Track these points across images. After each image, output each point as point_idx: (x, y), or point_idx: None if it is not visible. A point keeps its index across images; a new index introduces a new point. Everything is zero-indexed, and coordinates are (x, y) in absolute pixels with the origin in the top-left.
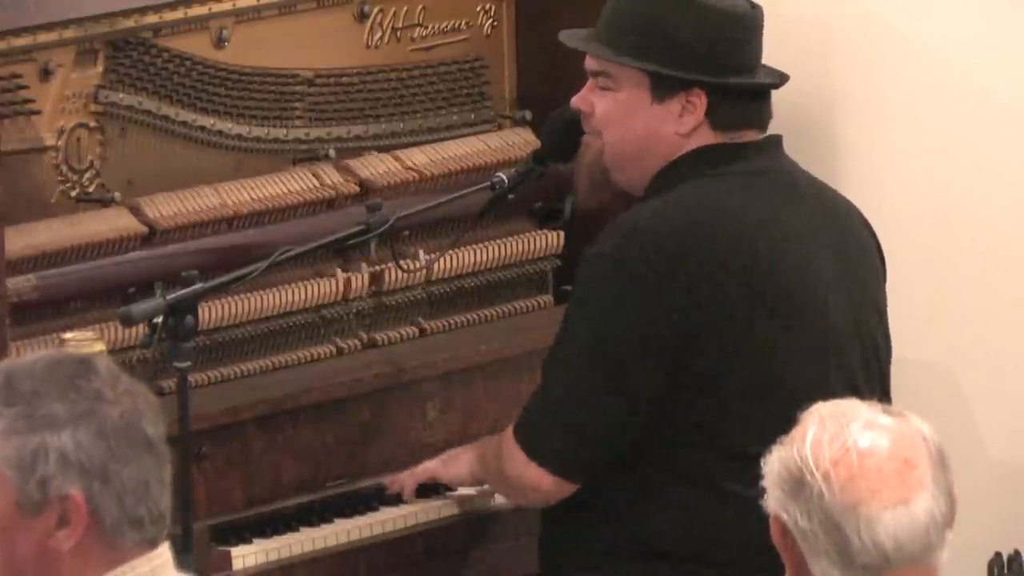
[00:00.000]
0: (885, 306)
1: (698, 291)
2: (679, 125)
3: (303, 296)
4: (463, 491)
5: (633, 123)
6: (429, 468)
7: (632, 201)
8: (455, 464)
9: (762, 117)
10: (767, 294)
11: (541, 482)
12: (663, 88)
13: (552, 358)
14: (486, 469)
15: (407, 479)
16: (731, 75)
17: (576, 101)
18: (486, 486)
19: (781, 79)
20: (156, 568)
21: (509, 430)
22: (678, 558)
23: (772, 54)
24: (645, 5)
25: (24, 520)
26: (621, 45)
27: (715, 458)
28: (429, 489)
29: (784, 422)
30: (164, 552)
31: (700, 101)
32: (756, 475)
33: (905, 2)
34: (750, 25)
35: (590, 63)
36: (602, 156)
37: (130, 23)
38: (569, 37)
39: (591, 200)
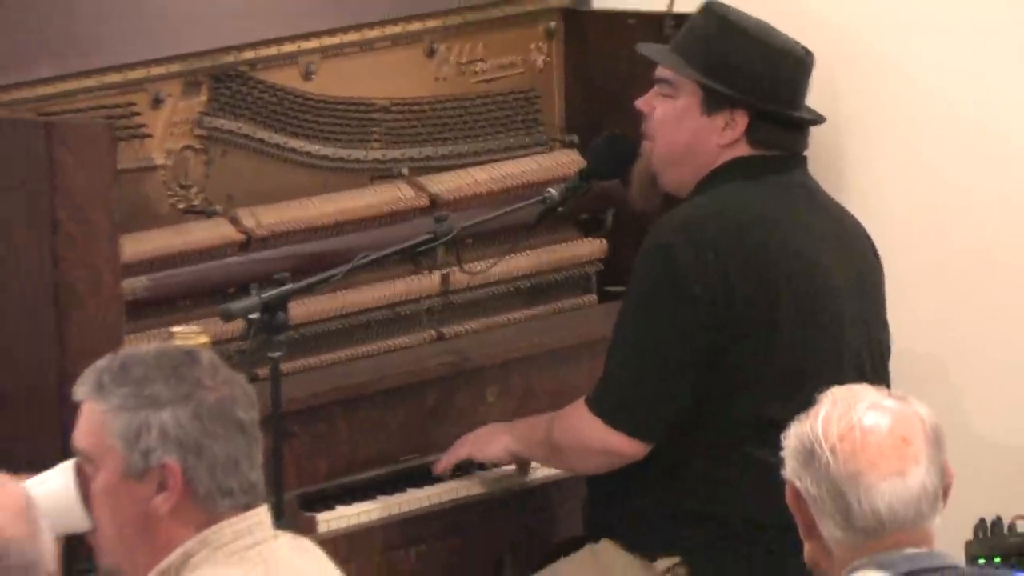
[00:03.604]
0: (885, 305)
1: (732, 277)
2: (720, 137)
3: (380, 295)
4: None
5: (682, 128)
6: (462, 452)
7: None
8: (492, 447)
9: (795, 145)
10: (791, 287)
11: (620, 445)
12: (713, 103)
13: (616, 336)
14: (550, 444)
15: (445, 460)
16: (773, 104)
17: (640, 102)
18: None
19: (817, 119)
20: (252, 525)
21: (580, 406)
22: (709, 517)
23: None
24: (715, 32)
25: (129, 485)
26: (688, 61)
27: (744, 428)
28: (472, 466)
29: (803, 400)
30: (260, 513)
31: (742, 120)
32: (780, 444)
33: (904, 40)
34: (798, 65)
35: (659, 72)
36: (652, 160)
37: (230, 58)
38: (645, 48)
39: (643, 202)
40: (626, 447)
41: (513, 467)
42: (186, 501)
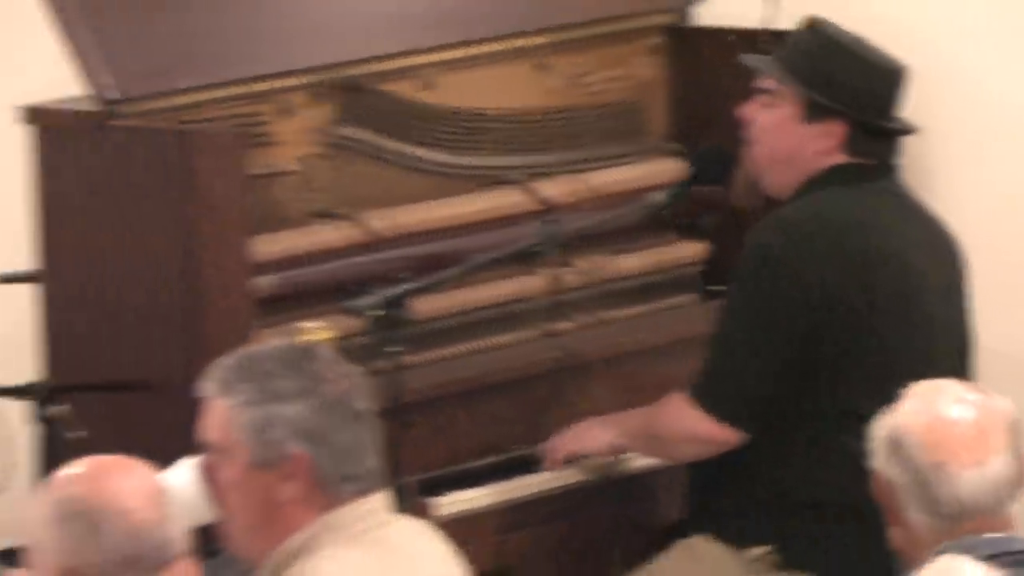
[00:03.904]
0: (970, 307)
1: (827, 275)
2: (818, 145)
3: (494, 294)
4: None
5: (783, 136)
6: (568, 448)
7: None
8: (595, 441)
9: (890, 154)
10: (886, 289)
11: (717, 433)
12: (813, 112)
13: (718, 330)
14: (651, 436)
15: (554, 455)
16: (869, 114)
17: (742, 110)
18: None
19: (911, 129)
20: (372, 510)
21: (680, 397)
22: (803, 505)
23: None
24: (816, 47)
25: (256, 475)
26: (790, 72)
27: (838, 420)
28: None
29: (893, 395)
30: (379, 498)
31: (840, 129)
32: (868, 434)
33: (987, 51)
34: (893, 78)
35: (762, 81)
36: (754, 165)
37: (355, 71)
38: (750, 59)
39: (746, 202)
40: (722, 435)
41: (613, 457)
42: (310, 488)
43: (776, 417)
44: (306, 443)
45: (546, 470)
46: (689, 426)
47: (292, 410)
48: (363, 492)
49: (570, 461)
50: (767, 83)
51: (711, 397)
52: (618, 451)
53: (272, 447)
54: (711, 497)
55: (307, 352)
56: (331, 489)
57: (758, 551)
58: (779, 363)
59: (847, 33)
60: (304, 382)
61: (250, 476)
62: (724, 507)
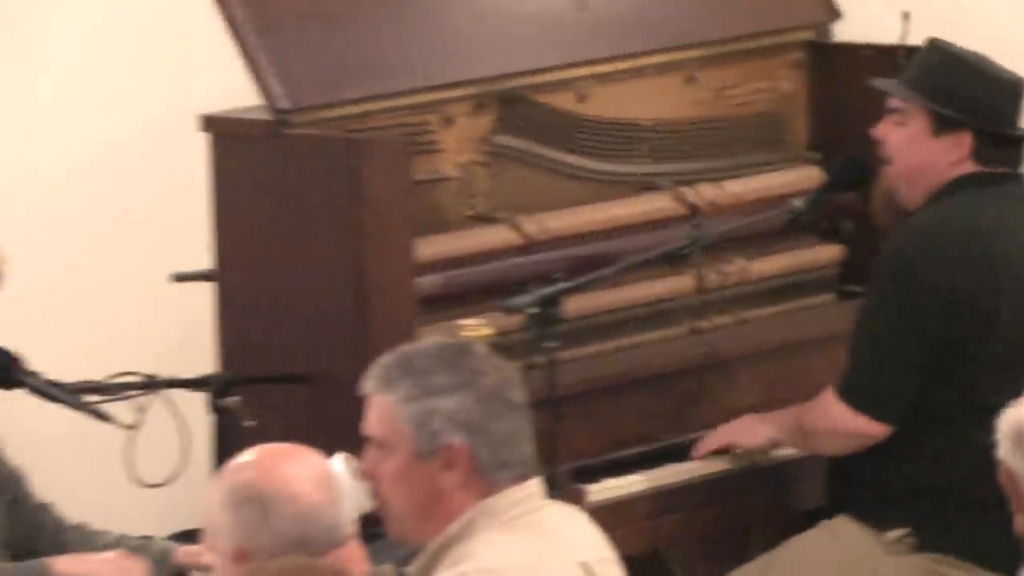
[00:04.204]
0: None
1: (957, 280)
2: (948, 156)
3: (644, 293)
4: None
5: (914, 151)
6: (725, 440)
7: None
8: (754, 436)
9: (1015, 161)
10: (1009, 287)
11: (866, 428)
12: (940, 126)
13: (858, 331)
14: (802, 432)
15: (705, 446)
16: (993, 124)
17: (875, 131)
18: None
19: None
20: (526, 496)
21: (829, 396)
22: (937, 492)
23: None
24: (940, 64)
25: (419, 465)
26: (917, 91)
27: (969, 413)
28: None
29: (1018, 388)
30: (533, 484)
31: (967, 141)
32: (995, 427)
33: None
34: (1014, 89)
35: (891, 102)
36: (890, 181)
37: (513, 83)
38: (879, 82)
39: (884, 219)
40: (871, 429)
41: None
42: (469, 476)
43: (911, 411)
44: (465, 433)
45: (695, 458)
46: (838, 422)
47: (451, 403)
48: (518, 479)
49: (719, 451)
50: (896, 103)
51: (856, 395)
52: (774, 446)
53: (433, 438)
54: (851, 484)
55: (463, 348)
56: (489, 476)
57: (895, 534)
58: (916, 363)
59: (967, 50)
60: (461, 376)
61: (412, 467)
62: (864, 493)
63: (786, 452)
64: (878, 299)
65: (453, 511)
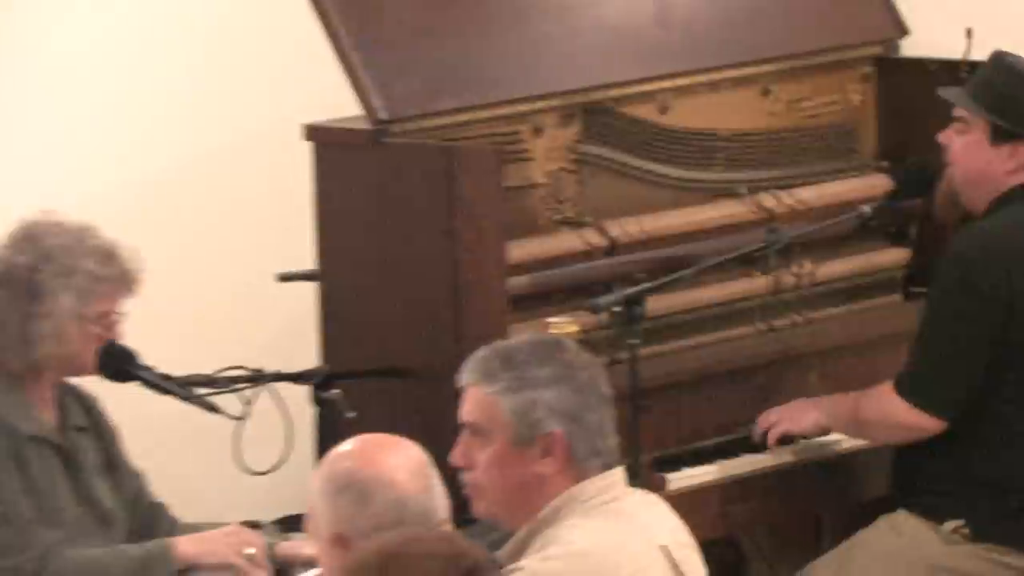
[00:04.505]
0: None
1: (1015, 283)
2: (1004, 165)
3: (721, 293)
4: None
5: (974, 157)
6: (780, 427)
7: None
8: (804, 420)
9: None
10: None
11: (920, 422)
12: (998, 136)
13: (921, 331)
14: (856, 420)
15: (771, 436)
16: None
17: (941, 136)
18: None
19: None
20: (610, 483)
21: (888, 389)
22: (993, 484)
23: None
24: (1000, 77)
25: (516, 452)
26: (977, 101)
27: (1019, 408)
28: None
29: None
30: (618, 472)
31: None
32: None
33: None
34: None
35: (956, 111)
36: (953, 183)
37: (599, 95)
38: (944, 92)
39: (946, 216)
40: (925, 423)
41: (823, 438)
42: (565, 463)
43: (968, 407)
44: (563, 423)
45: (756, 439)
46: (894, 415)
47: (551, 394)
48: (604, 467)
49: (786, 442)
50: (959, 112)
51: (915, 390)
52: (823, 431)
53: (533, 427)
54: (911, 476)
55: (557, 343)
56: (581, 464)
57: (951, 525)
58: (973, 363)
59: None
60: (558, 369)
61: (510, 454)
62: (922, 485)
63: (852, 444)
64: (939, 301)
65: (545, 497)
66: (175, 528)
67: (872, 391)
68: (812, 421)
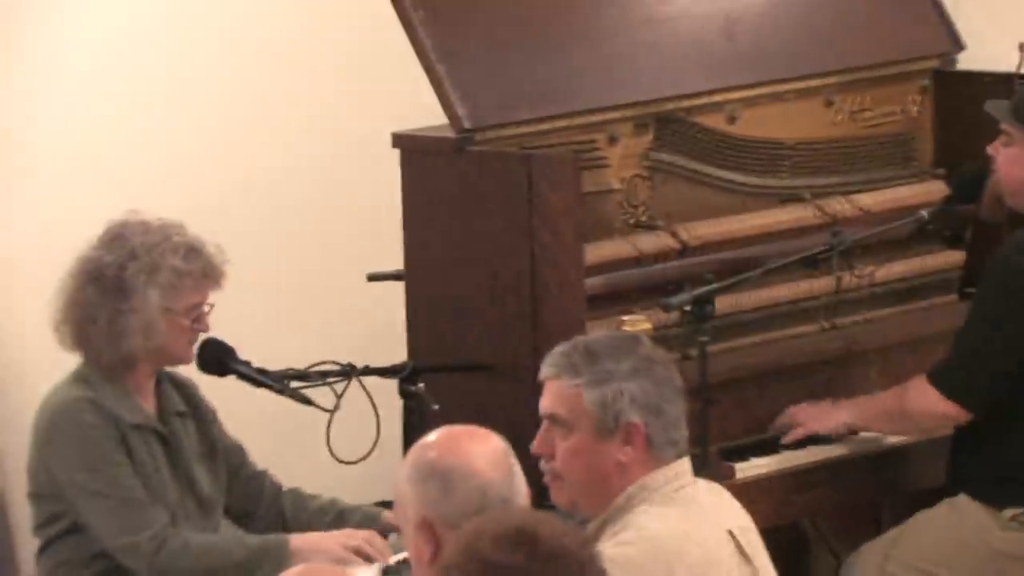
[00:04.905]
0: None
1: None
2: None
3: (786, 293)
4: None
5: (1016, 167)
6: (805, 428)
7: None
8: (829, 422)
9: None
10: None
11: (949, 411)
12: None
13: (964, 326)
14: (888, 414)
15: (792, 435)
16: None
17: (990, 148)
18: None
19: None
20: (679, 473)
21: (924, 382)
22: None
23: None
24: None
25: (598, 442)
26: (1016, 116)
27: None
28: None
29: None
30: (685, 462)
31: None
32: None
33: None
34: None
35: (1001, 125)
36: (999, 188)
37: (671, 105)
38: (990, 106)
39: (990, 215)
40: (953, 412)
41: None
42: (643, 452)
43: (1014, 397)
44: (644, 414)
45: (775, 430)
46: (929, 406)
47: (633, 386)
48: (675, 457)
49: (802, 443)
50: (1003, 126)
51: (946, 382)
52: (850, 431)
53: (615, 418)
54: (969, 465)
55: (634, 339)
56: (658, 453)
57: (1010, 512)
58: (1006, 361)
59: None
60: (637, 363)
61: (592, 444)
62: (981, 473)
63: (906, 438)
64: (982, 301)
65: (623, 484)
66: (280, 494)
67: (908, 383)
68: (838, 422)
